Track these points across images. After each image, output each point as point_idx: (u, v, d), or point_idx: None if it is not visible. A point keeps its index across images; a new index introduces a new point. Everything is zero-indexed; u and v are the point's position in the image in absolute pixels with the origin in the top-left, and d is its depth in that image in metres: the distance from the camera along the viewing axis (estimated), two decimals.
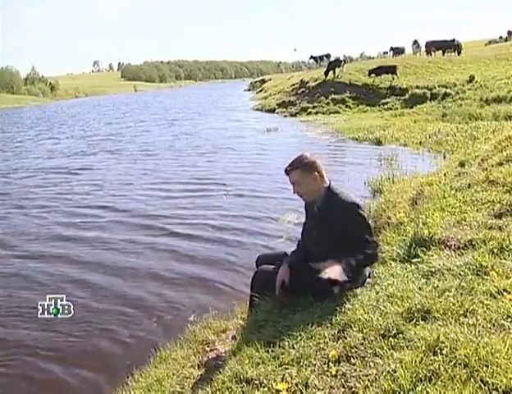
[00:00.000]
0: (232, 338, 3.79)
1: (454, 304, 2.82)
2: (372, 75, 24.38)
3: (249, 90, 55.94)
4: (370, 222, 3.69)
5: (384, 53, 64.69)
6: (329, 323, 2.99)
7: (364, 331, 2.75)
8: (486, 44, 46.51)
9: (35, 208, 9.59)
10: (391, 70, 24.48)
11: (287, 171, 3.56)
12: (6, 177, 13.33)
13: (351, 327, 2.84)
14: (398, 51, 43.50)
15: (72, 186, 11.61)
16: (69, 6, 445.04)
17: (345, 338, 2.77)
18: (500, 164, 5.54)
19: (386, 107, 21.17)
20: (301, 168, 3.50)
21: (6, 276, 6.25)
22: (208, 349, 3.82)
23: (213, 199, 9.15)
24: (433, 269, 3.41)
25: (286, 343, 2.91)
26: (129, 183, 11.49)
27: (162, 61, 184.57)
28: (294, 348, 2.84)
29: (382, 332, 2.71)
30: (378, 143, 13.15)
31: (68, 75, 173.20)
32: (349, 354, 2.63)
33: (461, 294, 2.95)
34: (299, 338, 2.92)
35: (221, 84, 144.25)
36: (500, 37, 50.79)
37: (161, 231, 7.58)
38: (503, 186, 4.81)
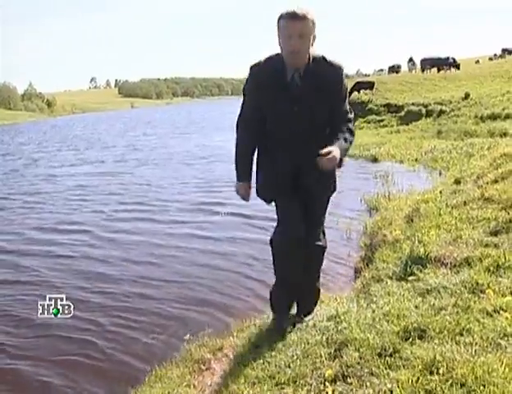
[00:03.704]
0: (228, 357, 3.76)
1: (450, 323, 2.81)
2: (354, 92, 24.75)
3: None
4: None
5: (379, 71, 65.29)
6: (325, 342, 2.98)
7: (361, 350, 2.74)
8: (476, 62, 46.84)
9: (91, 201, 10.71)
10: (369, 86, 25.35)
11: (299, 17, 2.83)
12: (47, 180, 14.24)
13: (347, 346, 2.82)
14: (394, 69, 43.93)
15: (120, 185, 12.60)
16: (66, 23, 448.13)
17: (342, 357, 2.75)
18: (496, 181, 5.58)
19: (381, 124, 21.23)
20: (313, 21, 2.89)
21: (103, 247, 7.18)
22: (203, 368, 3.78)
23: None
24: (429, 287, 3.41)
25: (282, 362, 2.89)
26: (175, 183, 12.55)
27: (159, 79, 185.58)
28: (290, 367, 2.82)
29: (379, 351, 2.70)
30: (374, 160, 13.17)
31: (65, 91, 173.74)
32: (346, 373, 2.61)
33: (457, 312, 2.94)
34: (295, 357, 2.90)
35: (218, 100, 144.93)
36: (495, 54, 51.30)
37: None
38: (498, 204, 4.83)
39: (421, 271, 3.75)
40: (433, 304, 3.11)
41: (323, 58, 3.04)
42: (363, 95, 24.96)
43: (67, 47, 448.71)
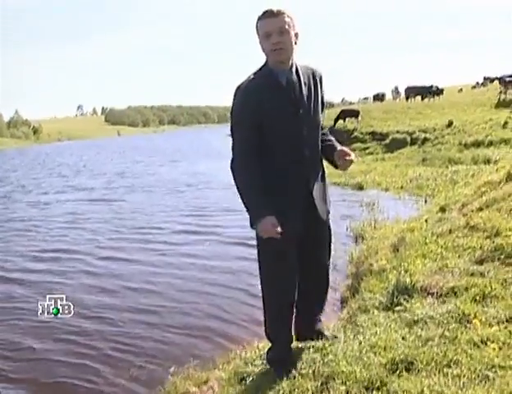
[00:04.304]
0: (213, 390, 3.69)
1: (437, 355, 2.79)
2: (340, 120, 25.00)
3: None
4: None
5: (364, 99, 66.12)
6: (312, 375, 2.93)
7: (347, 383, 2.70)
8: (459, 91, 47.57)
9: (84, 227, 10.81)
10: (355, 114, 25.62)
11: (275, 14, 2.81)
12: (39, 207, 14.38)
13: (334, 379, 2.78)
14: (378, 97, 44.50)
15: (111, 212, 12.76)
16: (53, 51, 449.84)
17: (329, 391, 2.71)
18: (480, 209, 5.60)
19: (367, 151, 21.36)
20: (290, 16, 2.85)
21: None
22: None
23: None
24: (416, 318, 3.38)
25: None
26: (167, 209, 12.59)
27: (145, 107, 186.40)
28: None
29: (366, 384, 2.66)
30: (360, 188, 13.20)
31: (52, 118, 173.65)
32: None
33: (444, 343, 2.92)
34: (282, 391, 2.85)
35: (205, 128, 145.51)
36: (477, 83, 52.16)
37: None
38: (483, 232, 4.84)
39: (407, 301, 3.73)
40: (420, 335, 3.09)
41: (302, 64, 3.03)
42: (349, 123, 25.19)
43: (54, 74, 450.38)
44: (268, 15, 2.83)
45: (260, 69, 2.98)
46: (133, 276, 7.08)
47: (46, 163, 34.65)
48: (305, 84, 2.96)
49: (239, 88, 2.94)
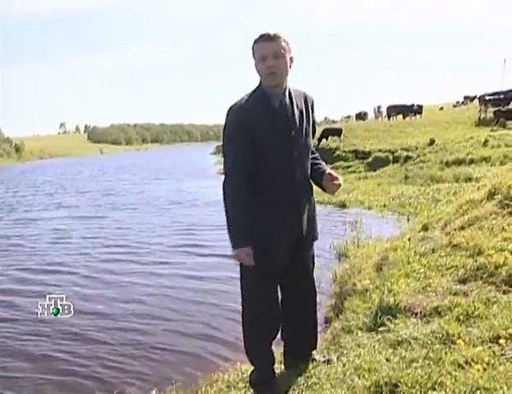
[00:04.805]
0: None
1: (422, 377, 2.76)
2: (323, 139, 25.22)
3: (215, 154, 56.23)
4: None
5: (347, 117, 66.74)
6: None
7: None
8: (440, 109, 48.16)
9: (73, 244, 10.88)
10: (337, 132, 25.96)
11: (272, 38, 2.85)
12: (26, 225, 14.20)
13: None
14: (360, 115, 44.92)
15: (98, 229, 12.75)
16: (36, 68, 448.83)
17: None
18: (462, 228, 5.61)
19: (349, 170, 21.49)
20: (286, 41, 2.89)
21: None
22: None
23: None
24: (400, 339, 3.35)
25: None
26: (154, 226, 12.63)
27: (128, 125, 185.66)
28: None
29: None
30: (343, 206, 13.26)
31: (34, 136, 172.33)
32: None
33: (429, 365, 2.90)
34: None
35: (188, 147, 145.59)
36: (458, 102, 52.88)
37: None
38: (466, 251, 4.85)
39: (391, 321, 3.70)
40: (404, 357, 3.06)
41: (294, 88, 3.06)
42: (331, 142, 25.35)
43: (37, 91, 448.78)
44: (265, 38, 2.86)
45: (254, 91, 3.00)
46: (124, 289, 7.19)
47: (30, 181, 34.35)
48: (297, 107, 3.00)
49: (231, 108, 2.96)
